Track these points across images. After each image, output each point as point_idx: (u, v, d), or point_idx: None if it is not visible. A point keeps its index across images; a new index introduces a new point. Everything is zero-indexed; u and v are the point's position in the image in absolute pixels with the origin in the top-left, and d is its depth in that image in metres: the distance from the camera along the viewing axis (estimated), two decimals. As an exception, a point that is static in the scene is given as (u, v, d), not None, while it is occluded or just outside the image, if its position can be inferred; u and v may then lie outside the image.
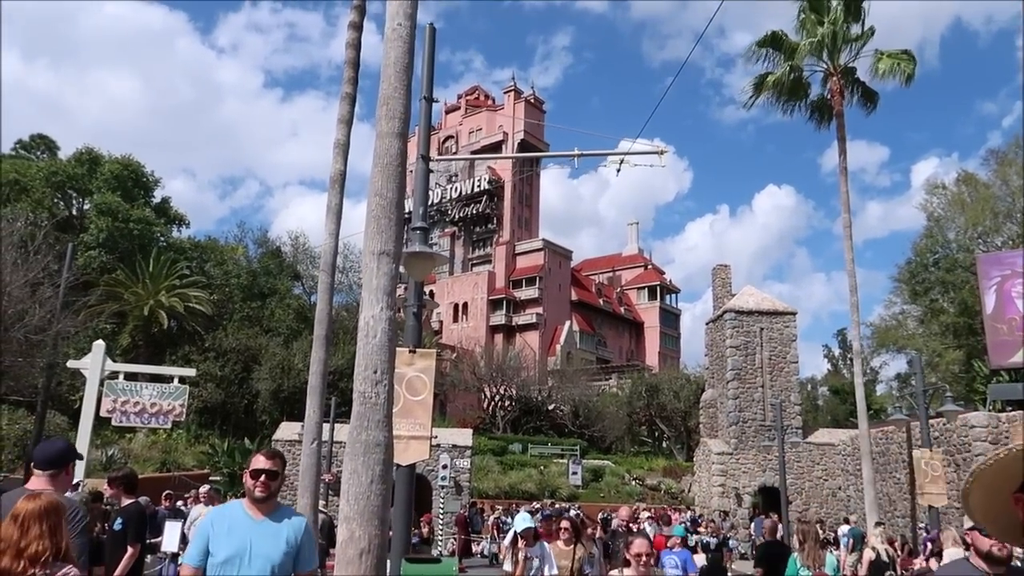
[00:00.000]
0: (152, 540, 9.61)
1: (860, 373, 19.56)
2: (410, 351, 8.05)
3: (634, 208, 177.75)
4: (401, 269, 7.43)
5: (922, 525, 17.92)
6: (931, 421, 20.62)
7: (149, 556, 9.74)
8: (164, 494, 10.88)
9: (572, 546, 7.02)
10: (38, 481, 4.08)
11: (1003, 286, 20.17)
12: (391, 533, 8.78)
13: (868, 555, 11.52)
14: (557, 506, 28.13)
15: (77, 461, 4.48)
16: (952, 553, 11.53)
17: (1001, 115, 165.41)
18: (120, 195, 40.55)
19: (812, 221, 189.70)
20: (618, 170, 11.48)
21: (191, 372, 18.62)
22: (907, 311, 43.72)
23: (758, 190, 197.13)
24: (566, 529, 7.10)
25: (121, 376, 16.14)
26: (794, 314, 30.38)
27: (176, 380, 17.05)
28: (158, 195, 45.26)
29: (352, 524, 4.45)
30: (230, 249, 47.96)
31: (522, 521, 7.58)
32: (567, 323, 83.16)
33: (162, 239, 43.05)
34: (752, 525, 27.16)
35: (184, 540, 10.19)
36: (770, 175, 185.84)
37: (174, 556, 9.43)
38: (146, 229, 40.98)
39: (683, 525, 12.75)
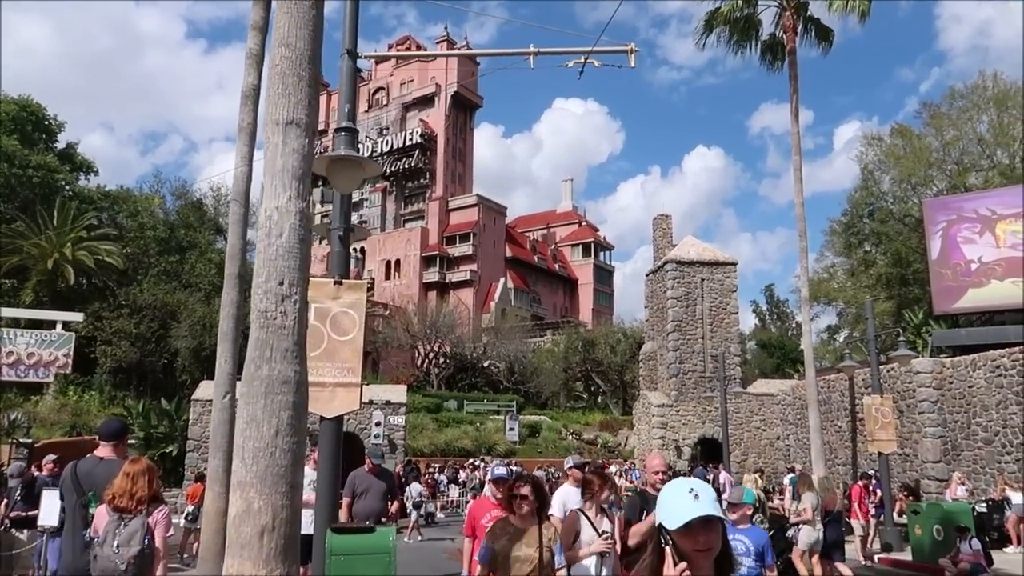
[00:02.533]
0: (30, 512, 8.13)
1: (807, 320, 19.07)
2: (335, 282, 6.72)
3: (567, 168, 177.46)
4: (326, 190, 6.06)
5: (872, 471, 17.64)
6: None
7: (26, 531, 8.27)
8: (46, 459, 9.33)
9: (535, 524, 4.54)
10: (103, 450, 5.31)
11: (949, 231, 19.90)
12: (310, 501, 7.46)
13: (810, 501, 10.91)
14: (571, 460, 27.43)
15: None
16: (808, 497, 10.89)
17: (918, 81, 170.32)
18: (17, 139, 37.11)
19: (740, 182, 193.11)
20: (581, 71, 10.18)
21: (77, 317, 16.36)
22: (837, 264, 44.22)
23: (688, 151, 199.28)
24: (524, 499, 4.53)
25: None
26: (735, 264, 29.97)
27: (59, 326, 14.96)
28: (62, 140, 41.82)
29: (249, 492, 3.18)
30: (145, 200, 44.84)
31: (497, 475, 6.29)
32: (501, 280, 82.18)
33: (67, 188, 39.78)
34: (693, 476, 26.92)
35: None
36: (700, 136, 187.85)
37: (54, 532, 7.96)
38: (48, 176, 37.72)
39: (752, 489, 11.22)
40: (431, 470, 27.97)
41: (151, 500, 4.70)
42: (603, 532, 5.14)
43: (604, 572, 5.08)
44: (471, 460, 33.23)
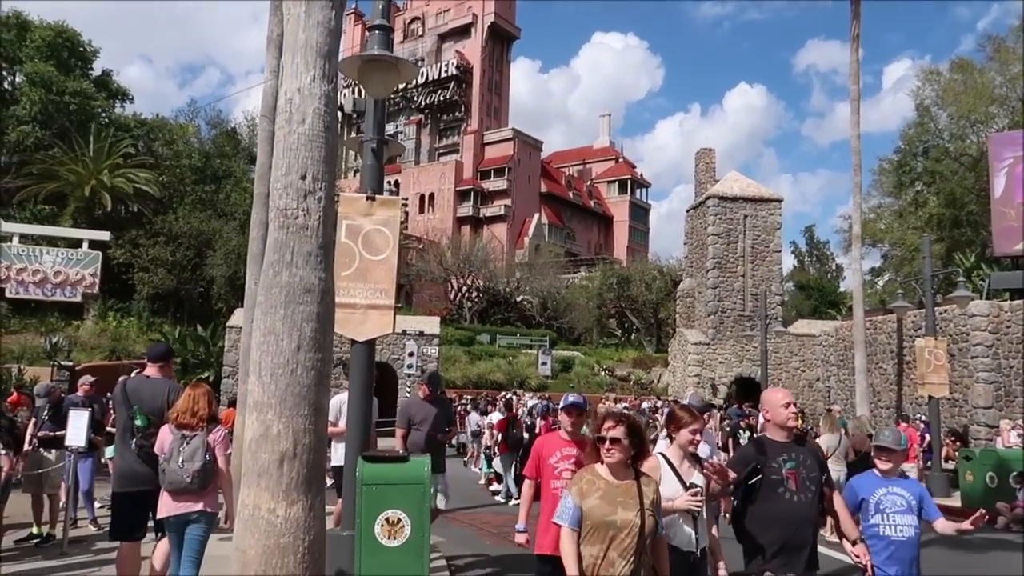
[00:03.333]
0: (58, 432, 7.97)
1: (858, 258, 18.27)
2: (368, 198, 6.24)
3: (605, 105, 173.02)
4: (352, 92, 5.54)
5: (922, 418, 17.06)
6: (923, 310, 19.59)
7: (54, 451, 8.14)
8: (82, 380, 9.16)
9: (631, 478, 3.54)
10: (150, 370, 5.79)
11: (1014, 169, 18.75)
12: (338, 427, 7.19)
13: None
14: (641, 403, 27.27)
15: None
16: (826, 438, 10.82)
17: (975, 19, 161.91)
18: (53, 65, 36.83)
19: (782, 122, 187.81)
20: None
21: (104, 235, 16.05)
22: (885, 205, 42.68)
23: (729, 88, 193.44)
24: (617, 444, 3.48)
25: (15, 239, 13.55)
26: (779, 201, 28.93)
27: (86, 244, 14.68)
28: (97, 67, 41.39)
29: (267, 413, 2.77)
30: (180, 129, 44.53)
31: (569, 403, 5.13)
32: (536, 215, 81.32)
33: (104, 115, 39.57)
34: (727, 415, 26.56)
35: (97, 430, 8.55)
36: (743, 74, 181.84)
37: (82, 453, 7.81)
38: (85, 103, 37.47)
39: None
40: (463, 402, 27.96)
41: (210, 420, 5.22)
42: (691, 485, 4.07)
43: (693, 534, 4.09)
44: (503, 393, 33.22)
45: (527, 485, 5.26)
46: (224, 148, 44.70)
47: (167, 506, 5.08)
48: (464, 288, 53.32)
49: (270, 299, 2.86)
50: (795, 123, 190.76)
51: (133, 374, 7.02)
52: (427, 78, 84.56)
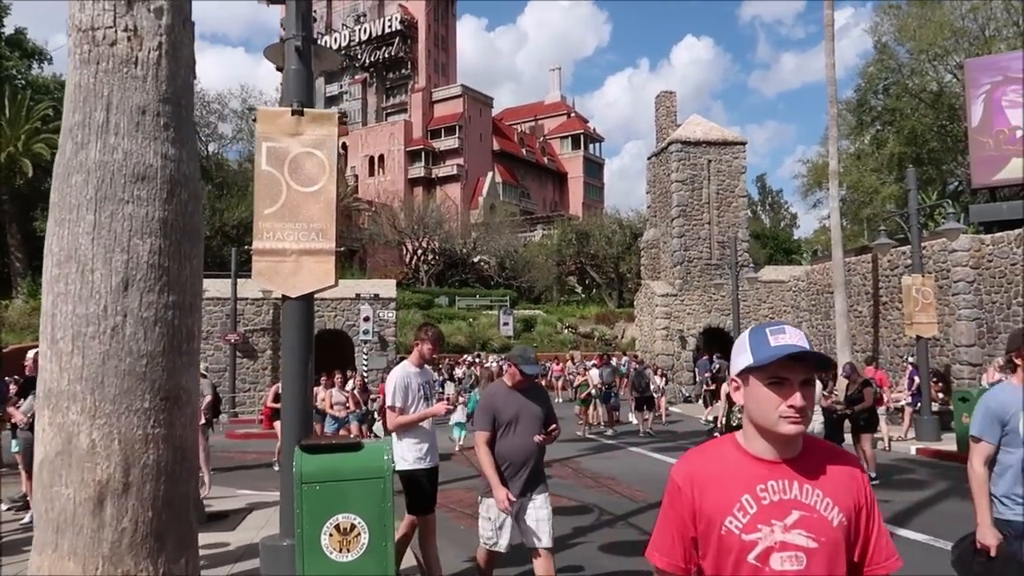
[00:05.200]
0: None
1: (836, 196, 17.33)
2: (294, 112, 4.84)
3: (553, 62, 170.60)
4: None
5: (910, 359, 16.35)
6: (903, 249, 18.85)
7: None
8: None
9: None
10: None
11: (993, 94, 17.91)
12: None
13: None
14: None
15: None
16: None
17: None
18: (-42, 23, 33.85)
19: (728, 75, 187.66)
20: None
21: None
22: (842, 148, 42.10)
23: (677, 42, 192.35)
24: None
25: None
26: (744, 144, 27.91)
27: None
28: (9, 25, 38.24)
29: (69, 411, 1.48)
30: (106, 91, 41.68)
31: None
32: (489, 174, 79.58)
33: (19, 76, 36.65)
34: (696, 367, 25.85)
35: None
36: (690, 26, 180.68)
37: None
38: (-4, 64, 34.64)
39: None
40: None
41: None
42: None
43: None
44: (465, 356, 32.06)
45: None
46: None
47: None
48: (419, 251, 51.80)
49: (69, 195, 1.53)
50: (742, 75, 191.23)
51: None
52: (370, 34, 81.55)
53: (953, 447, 13.47)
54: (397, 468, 4.90)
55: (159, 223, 1.56)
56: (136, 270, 1.52)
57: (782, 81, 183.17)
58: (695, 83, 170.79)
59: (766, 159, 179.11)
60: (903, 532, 7.64)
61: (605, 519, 8.45)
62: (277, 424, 11.31)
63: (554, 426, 4.98)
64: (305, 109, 4.86)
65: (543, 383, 25.07)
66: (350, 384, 14.91)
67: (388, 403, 5.33)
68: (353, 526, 4.10)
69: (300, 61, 4.93)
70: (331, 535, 4.07)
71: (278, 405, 10.93)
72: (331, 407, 13.40)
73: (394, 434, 5.37)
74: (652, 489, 10.22)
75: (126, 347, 1.49)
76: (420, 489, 5.36)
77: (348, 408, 13.73)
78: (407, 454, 5.33)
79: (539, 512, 4.82)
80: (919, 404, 14.66)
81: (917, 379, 14.81)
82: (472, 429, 5.12)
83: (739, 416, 10.41)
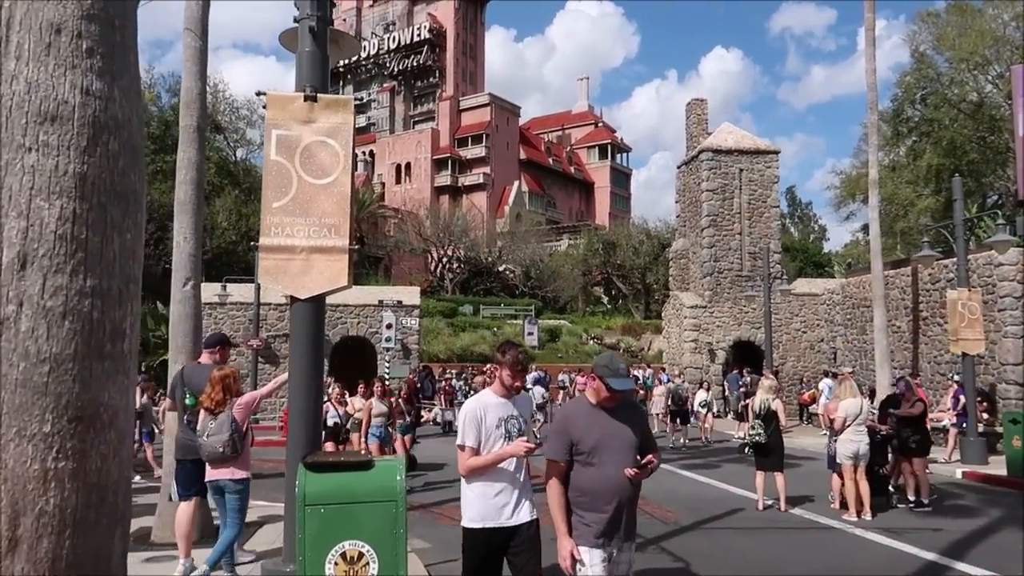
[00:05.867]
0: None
1: (875, 205, 16.70)
2: (306, 97, 4.46)
3: (581, 73, 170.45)
4: None
5: (954, 377, 15.61)
6: (945, 262, 18.12)
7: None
8: None
9: None
10: (204, 356, 6.68)
11: (1041, 102, 17.19)
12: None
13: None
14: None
15: None
16: (845, 405, 9.59)
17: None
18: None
19: (758, 87, 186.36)
20: None
21: None
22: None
23: (705, 53, 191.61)
24: None
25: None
26: (776, 153, 27.26)
27: None
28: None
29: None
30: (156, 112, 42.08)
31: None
32: (516, 183, 79.34)
33: (52, 81, 37.01)
34: (725, 382, 25.19)
35: None
36: (719, 38, 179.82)
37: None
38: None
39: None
40: (448, 376, 26.28)
41: (234, 395, 5.89)
42: None
43: None
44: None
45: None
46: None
47: (208, 473, 5.92)
48: (444, 259, 51.57)
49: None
50: (771, 88, 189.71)
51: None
52: (399, 42, 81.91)
53: (1002, 471, 12.78)
54: (463, 524, 4.00)
55: (74, 180, 1.16)
56: (38, 242, 1.11)
57: (812, 93, 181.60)
58: (723, 95, 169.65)
59: (795, 172, 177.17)
60: (962, 566, 7.05)
61: (636, 542, 7.94)
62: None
63: (651, 456, 3.88)
64: (319, 95, 4.47)
65: (564, 396, 24.55)
66: (335, 389, 13.26)
67: (458, 441, 4.08)
68: (361, 555, 3.67)
69: (314, 43, 4.55)
70: (336, 564, 3.65)
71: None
72: (370, 419, 11.55)
73: (463, 480, 4.08)
74: (683, 509, 9.70)
75: (20, 348, 1.08)
76: (480, 555, 3.97)
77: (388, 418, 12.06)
78: (474, 505, 4.00)
79: (619, 568, 3.82)
80: (964, 424, 13.95)
81: (963, 398, 14.10)
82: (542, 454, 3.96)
83: (758, 431, 9.87)
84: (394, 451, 11.99)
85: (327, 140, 4.45)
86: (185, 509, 6.21)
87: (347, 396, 12.84)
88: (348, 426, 11.86)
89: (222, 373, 5.91)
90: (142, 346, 24.98)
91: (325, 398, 10.72)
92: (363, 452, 10.61)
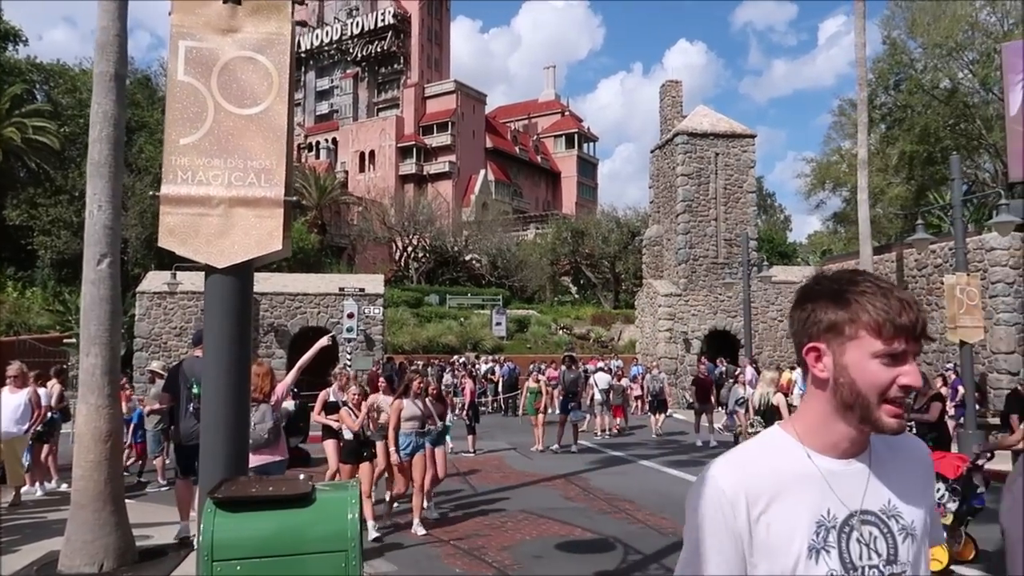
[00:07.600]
0: None
1: (864, 187, 15.93)
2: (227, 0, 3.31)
3: (547, 64, 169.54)
4: None
5: (947, 366, 14.97)
6: (933, 247, 17.46)
7: None
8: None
9: None
10: (199, 351, 6.67)
11: (1033, 80, 16.53)
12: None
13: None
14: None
15: None
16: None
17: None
18: (-74, 0, 32.06)
19: (720, 80, 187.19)
20: None
21: None
22: (846, 148, 40.95)
23: (670, 45, 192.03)
24: None
25: None
26: (753, 137, 26.54)
27: None
28: (-19, 5, 36.48)
29: None
30: (85, 76, 39.85)
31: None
32: (482, 172, 78.15)
33: (-11, 58, 34.90)
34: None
35: None
36: (683, 30, 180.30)
37: None
38: (-36, 44, 32.91)
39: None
40: (413, 367, 25.06)
41: (271, 389, 6.46)
42: None
43: None
44: (456, 357, 30.50)
45: None
46: (136, 97, 40.23)
47: (251, 460, 5.57)
48: (409, 248, 50.28)
49: None
50: (733, 81, 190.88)
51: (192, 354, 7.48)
52: (363, 28, 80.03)
53: (1005, 465, 12.06)
54: None
55: None
56: None
57: (773, 87, 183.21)
58: (688, 88, 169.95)
59: (759, 164, 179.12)
60: (967, 572, 6.25)
61: (633, 559, 6.95)
62: (328, 444, 8.68)
63: None
64: (244, -5, 3.32)
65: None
66: (354, 388, 9.01)
67: None
68: (296, 629, 2.57)
69: (239, -74, 3.39)
70: (260, 643, 2.54)
71: (328, 420, 8.52)
72: (399, 424, 8.52)
73: None
74: (679, 515, 8.73)
75: None
76: None
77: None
78: None
79: None
80: (962, 416, 13.23)
81: (961, 388, 13.39)
82: None
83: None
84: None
85: (255, 56, 3.32)
86: (185, 483, 7.29)
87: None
88: (368, 434, 8.57)
89: (264, 369, 6.52)
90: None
91: (331, 397, 8.86)
92: (397, 468, 8.48)
